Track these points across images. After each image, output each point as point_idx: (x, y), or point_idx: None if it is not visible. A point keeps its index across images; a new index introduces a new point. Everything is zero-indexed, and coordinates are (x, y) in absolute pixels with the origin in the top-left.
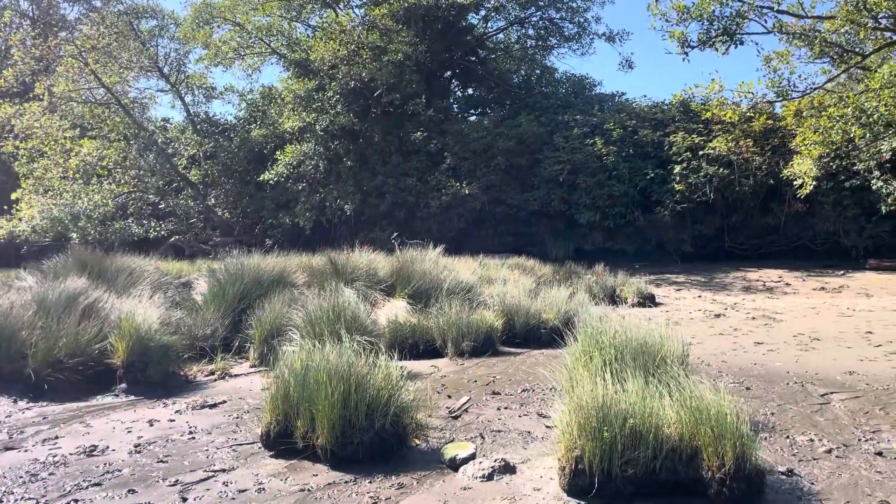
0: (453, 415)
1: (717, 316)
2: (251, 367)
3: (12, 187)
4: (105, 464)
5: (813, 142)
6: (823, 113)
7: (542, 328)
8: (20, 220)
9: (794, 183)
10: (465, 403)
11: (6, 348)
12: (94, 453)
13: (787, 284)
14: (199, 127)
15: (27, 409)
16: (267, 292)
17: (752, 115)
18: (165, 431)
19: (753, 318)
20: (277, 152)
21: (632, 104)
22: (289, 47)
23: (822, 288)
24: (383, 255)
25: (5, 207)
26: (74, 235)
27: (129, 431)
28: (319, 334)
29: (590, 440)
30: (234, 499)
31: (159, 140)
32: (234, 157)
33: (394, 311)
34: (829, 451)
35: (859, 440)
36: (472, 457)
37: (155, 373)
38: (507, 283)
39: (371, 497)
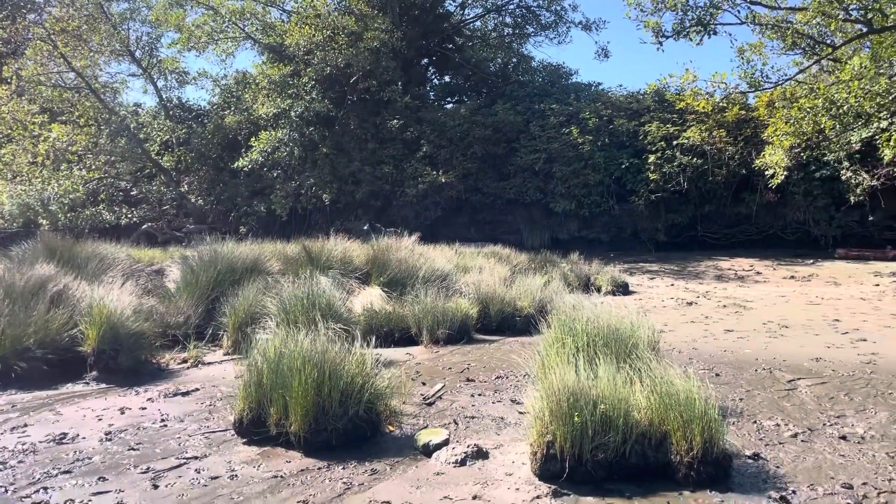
0: (427, 401)
1: (690, 304)
2: (225, 354)
3: None
4: (75, 451)
5: (784, 132)
6: (795, 104)
7: (516, 316)
8: None
9: (766, 173)
10: (439, 390)
11: None
12: (65, 441)
13: (759, 273)
14: (171, 112)
15: None
16: (241, 280)
17: (726, 105)
18: (137, 419)
19: (724, 306)
20: (252, 139)
21: (608, 93)
22: (263, 32)
23: (792, 276)
24: (359, 243)
25: None
26: (44, 222)
27: (100, 419)
28: (294, 322)
29: (561, 425)
30: (206, 485)
31: (131, 125)
32: (208, 143)
33: (369, 298)
34: (795, 436)
35: (824, 425)
36: (446, 443)
37: (126, 360)
38: (482, 271)
39: (344, 483)
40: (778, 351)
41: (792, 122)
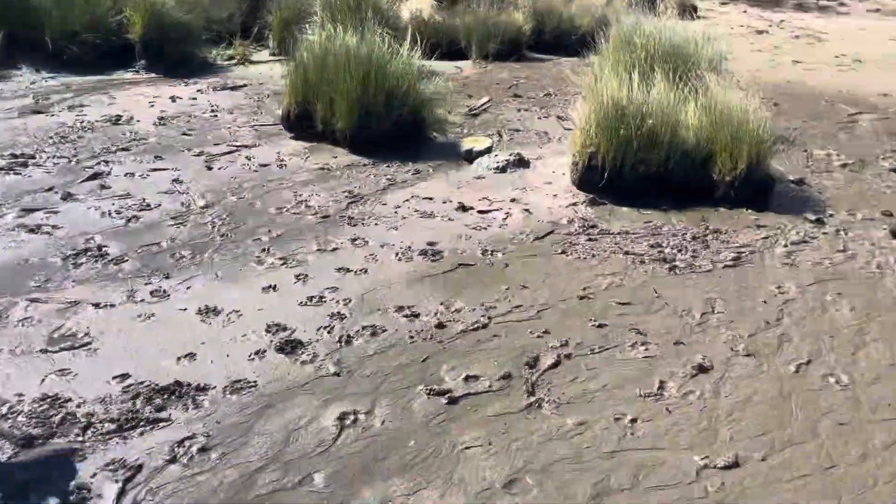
0: (472, 113)
1: (760, 33)
2: (271, 55)
3: None
4: (131, 132)
5: None
6: None
7: (573, 34)
8: None
9: None
10: (485, 103)
11: (23, 14)
12: (120, 122)
13: (843, 4)
14: None
15: (50, 77)
16: None
17: None
18: (188, 108)
19: (797, 37)
20: None
21: None
22: None
23: (878, 10)
24: None
25: None
26: None
27: (152, 105)
28: (340, 23)
29: (606, 138)
30: (255, 171)
31: None
32: None
33: (418, 5)
34: (844, 166)
35: (878, 157)
36: (489, 150)
37: (173, 52)
38: None
39: (388, 179)
40: (845, 84)
41: None
